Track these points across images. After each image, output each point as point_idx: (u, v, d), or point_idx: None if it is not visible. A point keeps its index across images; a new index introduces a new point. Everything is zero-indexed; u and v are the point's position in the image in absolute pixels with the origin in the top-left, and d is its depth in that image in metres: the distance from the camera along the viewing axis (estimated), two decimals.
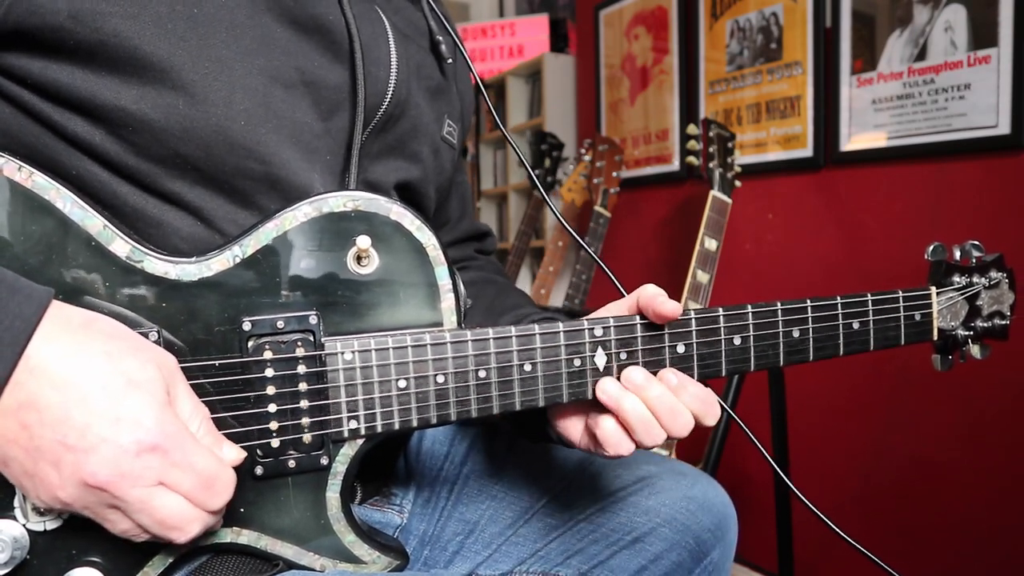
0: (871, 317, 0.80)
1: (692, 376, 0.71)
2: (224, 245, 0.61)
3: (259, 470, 0.61)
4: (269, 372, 0.60)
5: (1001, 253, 0.94)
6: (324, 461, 0.63)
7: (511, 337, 0.66)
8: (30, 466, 0.49)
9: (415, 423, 0.65)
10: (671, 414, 0.66)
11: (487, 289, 0.92)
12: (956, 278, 0.90)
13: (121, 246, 0.57)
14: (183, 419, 0.54)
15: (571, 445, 0.73)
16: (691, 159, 1.93)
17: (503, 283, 0.96)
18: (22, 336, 0.49)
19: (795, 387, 2.00)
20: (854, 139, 2.06)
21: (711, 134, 1.88)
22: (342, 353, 0.62)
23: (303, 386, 0.61)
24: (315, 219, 0.62)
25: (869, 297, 0.80)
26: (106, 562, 0.57)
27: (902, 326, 0.83)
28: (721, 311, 0.72)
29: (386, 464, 0.88)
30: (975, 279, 0.91)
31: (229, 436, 0.58)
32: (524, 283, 3.42)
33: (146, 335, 0.57)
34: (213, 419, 0.57)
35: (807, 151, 2.18)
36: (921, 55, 1.90)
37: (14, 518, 0.55)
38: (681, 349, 0.71)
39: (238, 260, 0.60)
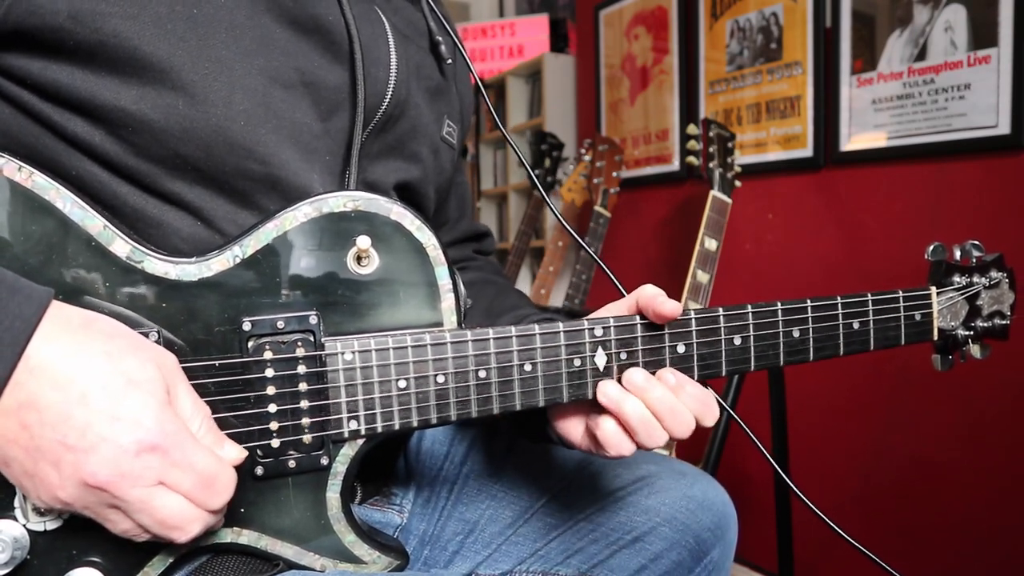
0: (871, 317, 0.80)
1: (692, 376, 0.71)
2: (224, 245, 0.61)
3: (259, 470, 0.61)
4: (269, 372, 0.60)
5: (1001, 253, 0.94)
6: (324, 461, 0.63)
7: (511, 337, 0.66)
8: (30, 466, 0.49)
9: (415, 423, 0.65)
10: (672, 415, 0.66)
11: (486, 290, 0.92)
12: (956, 278, 0.90)
13: (121, 246, 0.57)
14: (183, 418, 0.54)
15: (571, 446, 0.73)
16: (691, 159, 1.93)
17: (502, 284, 0.96)
18: (22, 336, 0.49)
19: (795, 387, 2.00)
20: (854, 139, 2.06)
21: (711, 134, 1.88)
22: (342, 353, 0.62)
23: (303, 386, 0.61)
24: (315, 219, 0.62)
25: (869, 297, 0.80)
26: (106, 562, 0.57)
27: (902, 326, 0.83)
28: (721, 311, 0.72)
29: (386, 464, 0.88)
30: (975, 279, 0.91)
31: (229, 436, 0.58)
32: (524, 283, 3.42)
33: (146, 335, 0.57)
34: (214, 419, 0.57)
35: (807, 151, 2.18)
36: (921, 55, 1.90)
37: (14, 518, 0.55)
38: (681, 349, 0.71)
39: (238, 260, 0.60)
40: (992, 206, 1.78)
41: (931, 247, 0.90)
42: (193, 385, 0.57)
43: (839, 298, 0.78)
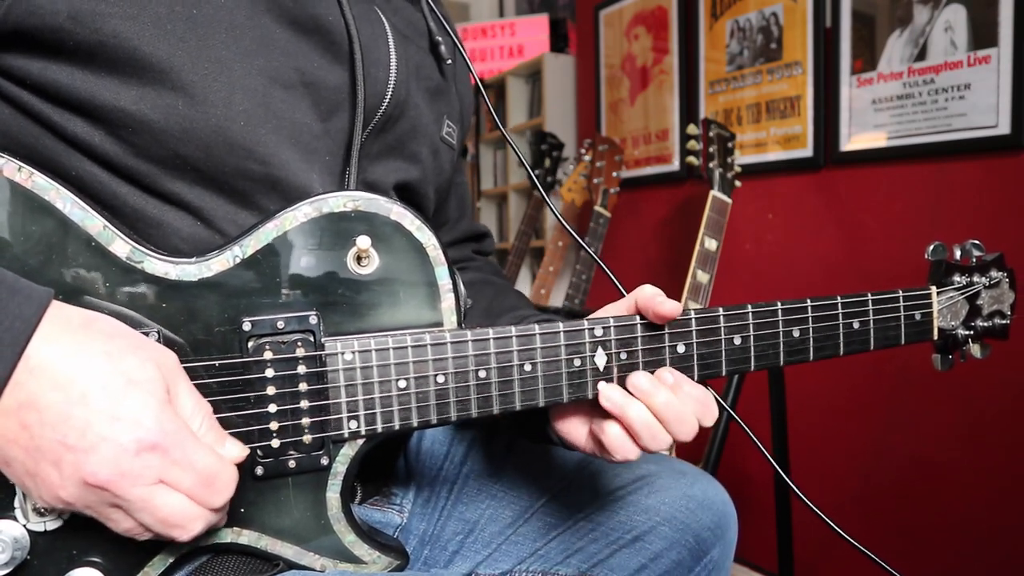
0: (871, 317, 0.80)
1: (692, 376, 0.71)
2: (224, 245, 0.61)
3: (259, 470, 0.61)
4: (269, 372, 0.60)
5: (1001, 252, 0.94)
6: (324, 461, 0.63)
7: (511, 337, 0.66)
8: (31, 466, 0.49)
9: (415, 423, 0.65)
10: (678, 420, 0.65)
11: (485, 290, 0.92)
12: (956, 277, 0.90)
13: (121, 246, 0.57)
14: (184, 417, 0.54)
15: (572, 447, 0.73)
16: (691, 159, 1.93)
17: (501, 284, 0.96)
18: (22, 337, 0.49)
19: (795, 387, 2.00)
20: (854, 139, 2.06)
21: (711, 134, 1.88)
22: (342, 353, 0.62)
23: (303, 386, 0.61)
24: (315, 219, 0.62)
25: (869, 297, 0.80)
26: (106, 562, 0.57)
27: (902, 326, 0.83)
28: (721, 311, 0.72)
29: (386, 464, 0.88)
30: (975, 278, 0.91)
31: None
32: (524, 283, 3.42)
33: (147, 335, 0.57)
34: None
35: (807, 151, 2.18)
36: (921, 55, 1.90)
37: (14, 518, 0.55)
38: (681, 349, 0.71)
39: (238, 260, 0.60)
40: (992, 206, 1.78)
41: (931, 246, 0.90)
42: (194, 385, 0.57)
43: (839, 298, 0.78)
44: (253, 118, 0.64)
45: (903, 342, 0.84)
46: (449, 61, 0.87)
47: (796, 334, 0.75)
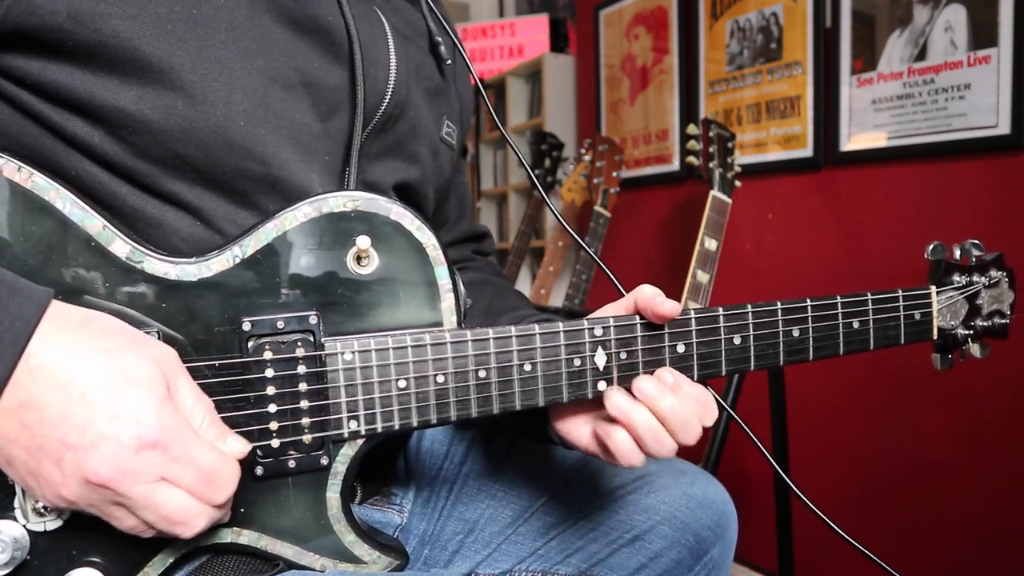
0: (871, 316, 0.80)
1: (692, 376, 0.71)
2: (224, 245, 0.61)
3: (259, 470, 0.61)
4: (269, 372, 0.61)
5: (1001, 252, 0.94)
6: (324, 461, 0.63)
7: (511, 337, 0.66)
8: (33, 465, 0.50)
9: (415, 423, 0.65)
10: (683, 424, 0.65)
11: (485, 290, 0.92)
12: (956, 277, 0.90)
13: (121, 246, 0.57)
14: (185, 413, 0.54)
15: (572, 447, 0.73)
16: (691, 159, 1.93)
17: (501, 284, 0.96)
18: (22, 337, 0.49)
19: (795, 387, 2.00)
20: (854, 139, 2.06)
21: (711, 134, 1.88)
22: (342, 353, 0.62)
23: (303, 386, 0.61)
24: (315, 219, 0.62)
25: (869, 296, 0.80)
26: (106, 562, 0.57)
27: (902, 325, 0.83)
28: (721, 310, 0.72)
29: (386, 464, 0.88)
30: (975, 278, 0.91)
31: None
32: (524, 283, 3.42)
33: (147, 333, 0.57)
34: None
35: (807, 151, 2.18)
36: (921, 55, 1.90)
37: (14, 519, 0.55)
38: (681, 349, 0.71)
39: (238, 260, 0.60)
40: (992, 206, 1.78)
41: (931, 246, 0.90)
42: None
43: (839, 297, 0.78)
44: (253, 118, 0.64)
45: (903, 342, 0.84)
46: (449, 61, 0.87)
47: (796, 334, 0.75)
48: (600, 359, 0.69)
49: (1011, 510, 1.77)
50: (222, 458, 0.54)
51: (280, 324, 0.61)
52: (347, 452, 0.64)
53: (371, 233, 0.63)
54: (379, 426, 0.64)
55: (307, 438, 0.62)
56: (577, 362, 0.68)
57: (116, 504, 0.51)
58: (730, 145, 1.91)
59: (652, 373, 0.68)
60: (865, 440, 2.08)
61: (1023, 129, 1.70)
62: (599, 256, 2.28)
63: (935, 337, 0.88)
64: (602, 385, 0.69)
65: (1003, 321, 0.93)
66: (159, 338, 0.57)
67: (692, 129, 1.93)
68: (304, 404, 0.62)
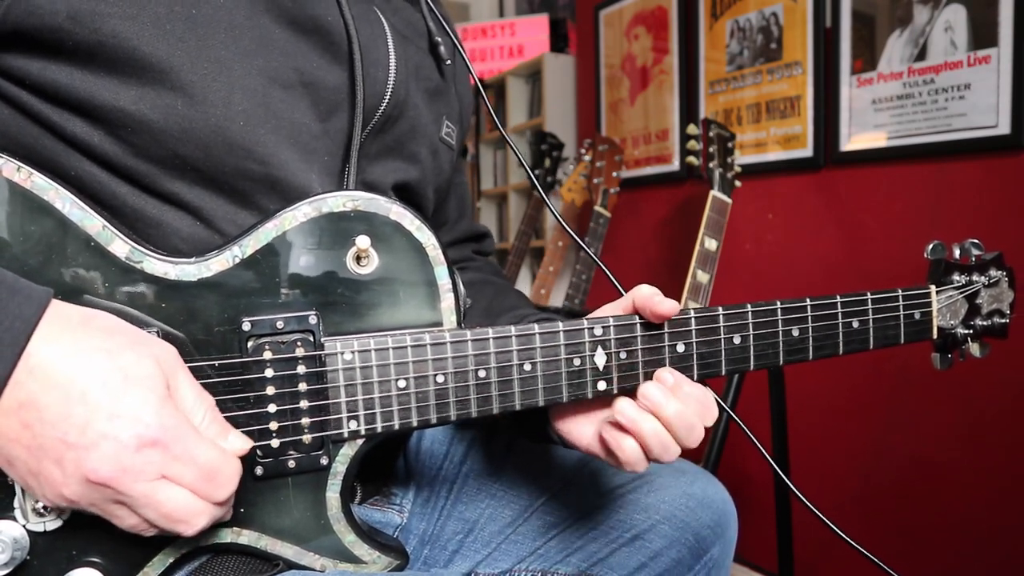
0: (871, 316, 0.80)
1: (692, 376, 0.71)
2: (223, 245, 0.61)
3: (259, 470, 0.61)
4: (269, 372, 0.61)
5: (1000, 251, 0.94)
6: (324, 461, 0.63)
7: (511, 337, 0.66)
8: (34, 465, 0.50)
9: (415, 423, 0.65)
10: (687, 428, 0.65)
11: (485, 290, 0.92)
12: (956, 276, 0.90)
13: (120, 246, 0.57)
14: (185, 410, 0.54)
15: (572, 446, 0.73)
16: (691, 159, 1.93)
17: (501, 284, 0.96)
18: (22, 336, 0.49)
19: (795, 387, 2.00)
20: (854, 139, 2.06)
21: (711, 134, 1.88)
22: (342, 353, 0.62)
23: (303, 386, 0.61)
24: (315, 219, 0.62)
25: (869, 296, 0.80)
26: (106, 562, 0.57)
27: (902, 325, 0.83)
28: (721, 310, 0.72)
29: (386, 464, 0.88)
30: (974, 277, 0.91)
31: None
32: (524, 283, 3.42)
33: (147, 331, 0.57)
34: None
35: (807, 151, 2.18)
36: (921, 55, 1.90)
37: (14, 519, 0.55)
38: (681, 348, 0.71)
39: (237, 260, 0.60)
40: (992, 206, 1.78)
41: (930, 245, 0.90)
42: None
43: (838, 297, 0.78)
44: (252, 118, 0.64)
45: (902, 341, 0.84)
46: (448, 61, 0.87)
47: (796, 333, 0.75)
48: (600, 359, 0.69)
49: (1011, 510, 1.77)
50: (223, 455, 0.54)
51: (280, 324, 0.61)
52: (347, 452, 0.64)
53: (371, 233, 0.63)
54: (379, 426, 0.64)
55: (307, 438, 0.62)
56: (577, 362, 0.68)
57: (117, 503, 0.51)
58: (730, 145, 1.91)
59: (652, 373, 0.68)
60: (865, 440, 2.08)
61: (1023, 129, 1.70)
62: (599, 256, 2.28)
63: (935, 336, 0.88)
64: (602, 385, 0.69)
65: (1003, 320, 0.93)
66: (159, 336, 0.57)
67: (692, 129, 1.93)
68: (304, 404, 0.62)
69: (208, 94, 0.62)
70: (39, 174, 0.55)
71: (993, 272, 0.92)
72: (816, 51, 2.14)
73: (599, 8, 2.96)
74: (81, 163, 0.61)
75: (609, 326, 0.69)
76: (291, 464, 0.62)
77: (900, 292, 0.83)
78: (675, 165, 2.65)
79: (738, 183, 1.90)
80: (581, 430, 0.71)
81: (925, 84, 1.89)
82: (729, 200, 1.85)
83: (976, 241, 0.92)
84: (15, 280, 0.51)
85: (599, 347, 0.68)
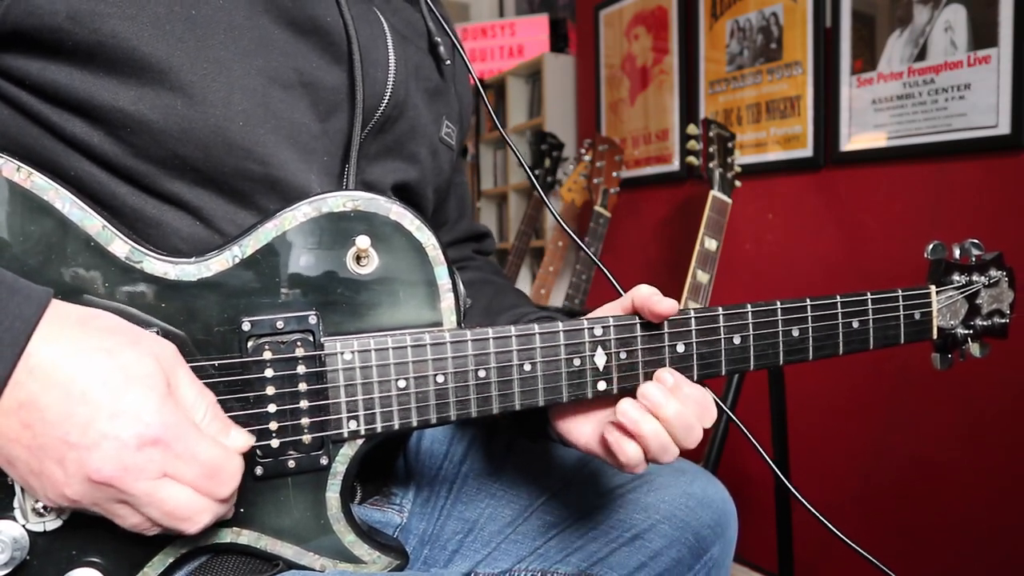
0: (871, 316, 0.80)
1: (692, 376, 0.71)
2: (223, 245, 0.61)
3: (259, 470, 0.61)
4: (269, 372, 0.60)
5: (1000, 251, 0.94)
6: (324, 461, 0.63)
7: (511, 337, 0.66)
8: (35, 465, 0.50)
9: (415, 423, 0.65)
10: (686, 429, 0.65)
11: (485, 289, 0.92)
12: (956, 276, 0.90)
13: (120, 246, 0.57)
14: (186, 408, 0.54)
15: (571, 446, 0.73)
16: (691, 159, 1.93)
17: (501, 283, 0.96)
18: (22, 336, 0.49)
19: (795, 387, 2.00)
20: (854, 139, 2.06)
21: (711, 134, 1.88)
22: (342, 353, 0.62)
23: (303, 386, 0.61)
24: (314, 219, 0.62)
25: (869, 296, 0.80)
26: (106, 562, 0.57)
27: (902, 325, 0.83)
28: (721, 310, 0.72)
29: (386, 464, 0.88)
30: (975, 277, 0.91)
31: None
32: (524, 283, 3.42)
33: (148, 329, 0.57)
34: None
35: (807, 151, 2.18)
36: (921, 55, 1.90)
37: (14, 519, 0.55)
38: (681, 348, 0.71)
39: (237, 260, 0.60)
40: (992, 206, 1.78)
41: (930, 245, 0.90)
42: None
43: (839, 297, 0.78)
44: (252, 118, 0.64)
45: (902, 341, 0.84)
46: (448, 62, 0.87)
47: (796, 333, 0.75)
48: (600, 359, 0.69)
49: (1011, 510, 1.77)
50: (225, 452, 0.54)
51: (280, 324, 0.61)
52: (347, 452, 0.64)
53: (371, 233, 0.63)
54: (379, 426, 0.64)
55: (307, 438, 0.62)
56: (577, 362, 0.68)
57: (120, 502, 0.51)
58: (730, 145, 1.91)
59: (652, 373, 0.68)
60: (865, 440, 2.08)
61: (1023, 129, 1.70)
62: (599, 256, 2.28)
63: (935, 337, 0.88)
64: (602, 385, 0.69)
65: (1003, 320, 0.93)
66: (159, 335, 0.57)
67: (692, 129, 1.93)
68: (304, 404, 0.62)
69: (208, 94, 0.62)
70: (39, 174, 0.55)
71: (993, 272, 0.92)
72: (816, 51, 2.14)
73: (599, 8, 2.96)
74: (81, 163, 0.61)
75: (609, 326, 0.69)
76: (291, 464, 0.62)
77: (900, 292, 0.83)
78: (675, 165, 2.65)
79: (738, 183, 1.90)
80: (581, 430, 0.71)
81: (925, 84, 1.89)
82: (729, 200, 1.85)
83: (976, 241, 0.92)
84: (15, 280, 0.51)
85: (599, 347, 0.68)
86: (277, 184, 0.66)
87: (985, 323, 0.92)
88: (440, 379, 0.65)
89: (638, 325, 0.69)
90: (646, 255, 2.75)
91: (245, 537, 0.62)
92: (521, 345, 0.66)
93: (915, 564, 1.96)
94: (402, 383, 0.64)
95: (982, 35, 1.77)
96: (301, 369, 0.61)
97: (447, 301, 0.66)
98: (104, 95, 0.59)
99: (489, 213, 4.02)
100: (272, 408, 0.61)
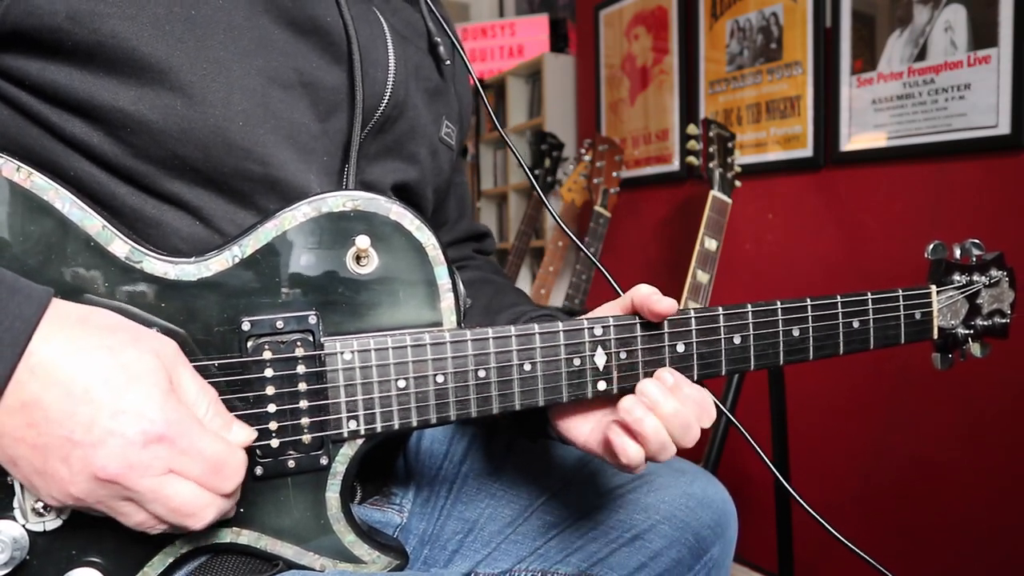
0: (871, 316, 0.80)
1: (692, 376, 0.70)
2: (223, 245, 0.61)
3: (259, 470, 0.61)
4: (268, 372, 0.60)
5: (1001, 251, 0.94)
6: (324, 461, 0.63)
7: (511, 337, 0.66)
8: (39, 464, 0.50)
9: (415, 423, 0.65)
10: (684, 427, 0.65)
11: (485, 288, 0.92)
12: (956, 276, 0.90)
13: (120, 246, 0.57)
14: (188, 404, 0.54)
15: (571, 444, 0.73)
16: (691, 159, 1.93)
17: (501, 282, 0.96)
18: (22, 336, 0.49)
19: (795, 387, 2.00)
20: (854, 139, 2.06)
21: (711, 134, 1.88)
22: (341, 353, 0.62)
23: (302, 386, 0.61)
24: (314, 219, 0.62)
25: (869, 296, 0.80)
26: (106, 562, 0.57)
27: (902, 325, 0.83)
28: (721, 310, 0.72)
29: (386, 464, 0.88)
30: (975, 277, 0.91)
31: None
32: (524, 283, 3.42)
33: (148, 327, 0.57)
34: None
35: (807, 151, 2.18)
36: (921, 55, 1.90)
37: (13, 519, 0.55)
38: (681, 348, 0.70)
39: (237, 260, 0.60)
40: (992, 206, 1.78)
41: (931, 245, 0.90)
42: None
43: (839, 297, 0.78)
44: (252, 118, 0.64)
45: (903, 341, 0.84)
46: (448, 62, 0.86)
47: (796, 333, 0.75)
48: (600, 359, 0.68)
49: (1011, 510, 1.77)
50: (229, 447, 0.54)
51: (279, 324, 0.61)
52: (347, 452, 0.64)
53: (370, 233, 0.63)
54: (379, 426, 0.64)
55: (306, 438, 0.62)
56: (577, 362, 0.68)
57: (125, 500, 0.51)
58: (730, 145, 1.91)
59: (652, 373, 0.68)
60: (865, 440, 2.08)
61: (1023, 129, 1.70)
62: (599, 256, 2.28)
63: (935, 336, 0.88)
64: (602, 385, 0.69)
65: (1003, 320, 0.93)
66: (159, 331, 0.58)
67: (692, 129, 1.93)
68: (303, 404, 0.62)
69: (207, 94, 0.62)
70: (39, 174, 0.55)
71: (994, 272, 0.92)
72: (816, 51, 2.14)
73: (599, 8, 2.96)
74: (80, 163, 0.61)
75: (609, 326, 0.69)
76: (291, 464, 0.62)
77: (901, 292, 0.83)
78: (675, 165, 2.65)
79: (738, 183, 1.90)
80: (580, 429, 0.71)
81: (925, 84, 1.89)
82: (729, 200, 1.85)
83: (977, 241, 0.92)
84: (15, 279, 0.51)
85: (599, 347, 0.68)
86: (277, 184, 0.66)
87: (986, 323, 0.92)
88: (440, 379, 0.65)
89: (638, 325, 0.69)
90: (646, 255, 2.75)
91: (245, 537, 0.62)
92: (521, 345, 0.66)
93: (915, 564, 1.96)
94: (402, 383, 0.64)
95: (982, 35, 1.77)
96: (301, 369, 0.61)
97: (447, 301, 0.66)
98: (104, 95, 0.59)
99: (489, 213, 4.02)
100: (272, 408, 0.61)
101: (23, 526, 0.55)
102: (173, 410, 0.52)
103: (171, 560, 0.59)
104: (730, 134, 1.93)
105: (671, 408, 0.64)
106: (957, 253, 0.93)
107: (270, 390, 0.61)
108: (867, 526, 2.08)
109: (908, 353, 1.84)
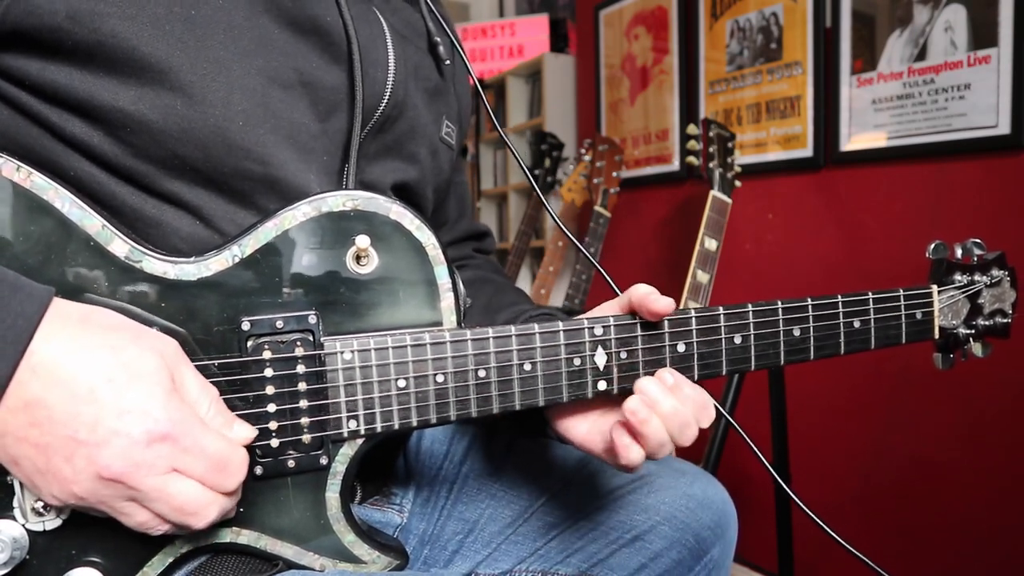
0: (872, 316, 0.80)
1: (692, 376, 0.70)
2: (223, 245, 0.61)
3: (259, 470, 0.61)
4: (268, 372, 0.60)
5: (1002, 251, 0.94)
6: (323, 461, 0.63)
7: (511, 336, 0.66)
8: (42, 463, 0.50)
9: (415, 423, 0.65)
10: (682, 426, 0.65)
11: (485, 288, 0.92)
12: (957, 276, 0.90)
13: (120, 246, 0.57)
14: (190, 403, 0.54)
15: (570, 444, 0.73)
16: (691, 159, 1.93)
17: (501, 282, 0.96)
18: (24, 335, 0.49)
19: (795, 387, 1.99)
20: (854, 139, 2.06)
21: (711, 134, 1.88)
22: (341, 353, 0.62)
23: (302, 386, 0.61)
24: (314, 218, 0.62)
25: (870, 296, 0.80)
26: (106, 562, 0.57)
27: (903, 325, 0.83)
28: (722, 310, 0.72)
29: (386, 464, 0.88)
30: (976, 277, 0.91)
31: None
32: (524, 283, 3.42)
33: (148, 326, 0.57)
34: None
35: (807, 151, 2.18)
36: (921, 55, 1.90)
37: (13, 518, 0.55)
38: (681, 348, 0.70)
39: (237, 260, 0.60)
40: (992, 206, 1.78)
41: (932, 245, 0.90)
42: None
43: (840, 297, 0.78)
44: (252, 118, 0.64)
45: (904, 341, 0.84)
46: (448, 61, 0.86)
47: (797, 333, 0.75)
48: (600, 359, 0.68)
49: (1011, 510, 1.77)
50: (231, 445, 0.54)
51: (279, 324, 0.61)
52: (347, 452, 0.64)
53: (370, 232, 0.63)
54: (378, 426, 0.63)
55: (306, 438, 0.62)
56: (577, 361, 0.68)
57: (128, 499, 0.51)
58: (730, 145, 1.91)
59: (652, 373, 0.68)
60: (865, 440, 2.08)
61: (1023, 129, 1.70)
62: (599, 256, 2.28)
63: (936, 336, 0.88)
64: (602, 385, 0.69)
65: (1005, 320, 0.92)
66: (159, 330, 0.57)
67: (692, 129, 1.93)
68: (303, 404, 0.61)
69: (207, 94, 0.62)
70: (39, 174, 0.55)
71: (995, 272, 0.92)
72: (816, 51, 2.14)
73: (599, 8, 2.96)
74: (80, 163, 0.61)
75: (610, 326, 0.68)
76: (291, 464, 0.62)
77: (902, 292, 0.83)
78: (675, 165, 2.65)
79: (738, 183, 1.90)
80: (579, 428, 0.71)
81: (925, 84, 1.89)
82: (729, 200, 1.84)
83: (978, 241, 0.92)
84: (16, 278, 0.51)
85: (599, 347, 0.68)
86: (277, 184, 0.66)
87: (987, 323, 0.92)
88: (440, 379, 0.65)
89: (638, 325, 0.69)
90: (646, 255, 2.75)
91: (245, 537, 0.62)
92: (521, 345, 0.66)
93: (915, 564, 1.96)
94: (402, 383, 0.64)
95: (982, 35, 1.77)
96: (301, 369, 0.61)
97: (447, 301, 0.66)
98: (104, 95, 0.59)
99: (489, 213, 4.02)
100: (272, 408, 0.61)
101: (23, 526, 0.55)
102: (176, 409, 0.52)
103: (171, 560, 0.59)
104: (730, 134, 1.93)
105: (670, 407, 0.64)
106: (958, 253, 0.93)
107: (270, 390, 0.61)
108: (867, 526, 2.08)
109: (909, 353, 1.84)
